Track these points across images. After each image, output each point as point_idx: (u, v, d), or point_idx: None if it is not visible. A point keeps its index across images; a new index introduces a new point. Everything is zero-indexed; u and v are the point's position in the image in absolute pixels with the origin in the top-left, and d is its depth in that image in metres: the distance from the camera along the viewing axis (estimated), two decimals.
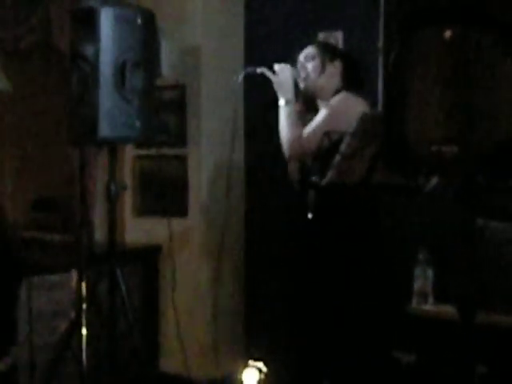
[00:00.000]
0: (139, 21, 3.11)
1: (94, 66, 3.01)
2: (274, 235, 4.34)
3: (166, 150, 4.34)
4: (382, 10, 2.47)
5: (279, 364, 3.80)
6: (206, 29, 4.43)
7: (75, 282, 3.60)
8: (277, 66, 3.56)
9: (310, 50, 3.59)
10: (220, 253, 4.46)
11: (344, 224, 3.39)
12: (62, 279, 3.88)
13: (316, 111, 3.54)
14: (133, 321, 3.17)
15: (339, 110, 3.42)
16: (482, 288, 3.29)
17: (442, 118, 2.17)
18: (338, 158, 2.93)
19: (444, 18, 2.17)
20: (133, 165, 4.61)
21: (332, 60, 3.57)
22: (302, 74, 3.56)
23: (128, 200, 4.60)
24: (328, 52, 3.59)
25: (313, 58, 3.57)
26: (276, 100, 3.54)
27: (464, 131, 2.14)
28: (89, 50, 3.02)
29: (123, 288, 3.14)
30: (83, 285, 3.17)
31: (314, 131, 3.41)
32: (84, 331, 3.07)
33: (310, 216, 3.36)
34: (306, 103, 3.61)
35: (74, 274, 3.71)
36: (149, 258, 4.48)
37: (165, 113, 4.42)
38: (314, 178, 3.35)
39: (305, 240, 3.55)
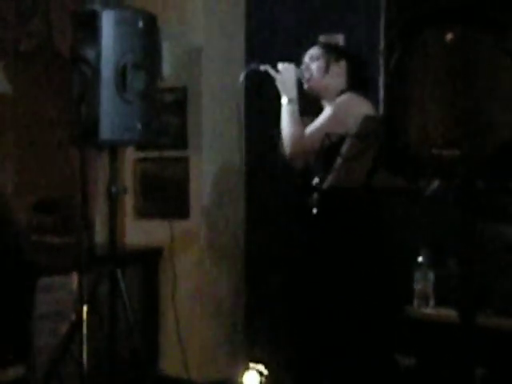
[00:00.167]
0: (140, 23, 3.11)
1: (95, 68, 3.01)
2: (274, 237, 4.34)
3: (167, 153, 4.34)
4: (382, 13, 2.48)
5: (279, 366, 3.81)
6: (207, 31, 4.44)
7: (76, 284, 3.61)
8: (281, 65, 3.56)
9: (314, 51, 3.59)
10: (221, 255, 4.47)
11: (345, 226, 3.39)
12: (63, 281, 3.88)
13: (318, 112, 3.54)
14: (133, 322, 3.17)
15: (342, 111, 3.42)
16: (482, 290, 3.29)
17: (443, 121, 2.17)
18: (339, 160, 2.93)
19: (445, 20, 2.18)
20: (134, 167, 4.62)
21: (337, 60, 3.56)
22: (306, 75, 3.56)
23: (129, 202, 4.60)
24: (333, 52, 3.58)
25: (317, 58, 3.56)
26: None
27: (465, 134, 2.14)
28: (90, 53, 3.02)
29: (124, 290, 3.14)
30: (84, 286, 3.17)
31: (316, 131, 3.41)
32: (84, 333, 3.07)
33: (314, 211, 3.35)
34: (309, 104, 3.61)
35: (75, 276, 3.71)
36: (150, 260, 4.48)
37: (166, 115, 4.43)
38: (315, 181, 3.36)
39: (305, 242, 3.55)
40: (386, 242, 3.49)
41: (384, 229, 3.49)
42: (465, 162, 2.13)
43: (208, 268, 4.41)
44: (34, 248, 3.99)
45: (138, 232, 4.60)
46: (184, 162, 4.44)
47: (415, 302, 3.64)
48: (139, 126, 3.13)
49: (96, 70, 3.01)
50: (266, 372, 3.83)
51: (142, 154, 4.54)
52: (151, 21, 3.19)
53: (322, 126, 3.41)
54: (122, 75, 3.05)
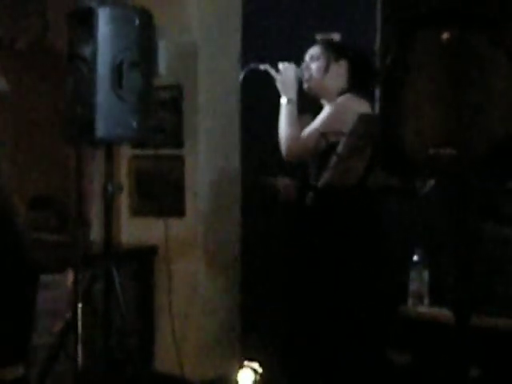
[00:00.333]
0: (136, 21, 3.11)
1: (91, 66, 3.01)
2: (270, 236, 4.34)
3: (163, 150, 4.33)
4: (378, 13, 2.48)
5: (274, 364, 3.81)
6: (203, 29, 4.43)
7: (71, 282, 3.60)
8: (281, 65, 3.55)
9: (315, 50, 3.57)
10: (216, 254, 4.46)
11: (340, 225, 3.39)
12: (58, 279, 3.87)
13: (319, 110, 3.53)
14: (128, 321, 3.17)
15: (340, 112, 3.41)
16: (477, 290, 3.30)
17: (438, 120, 2.18)
18: (334, 158, 2.94)
19: (441, 20, 2.18)
20: (129, 165, 4.61)
21: (337, 59, 3.53)
22: (306, 75, 3.55)
23: (124, 200, 4.59)
24: (333, 51, 3.55)
25: (318, 58, 3.54)
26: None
27: (461, 133, 2.14)
28: (86, 50, 3.01)
29: (119, 288, 3.14)
30: (79, 285, 3.17)
31: (313, 132, 3.41)
32: (79, 331, 3.06)
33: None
34: (309, 102, 3.60)
35: (70, 274, 3.70)
36: (145, 259, 4.47)
37: (162, 113, 4.42)
38: (311, 181, 3.36)
39: (301, 241, 3.55)
40: (381, 241, 3.50)
41: (379, 228, 3.50)
42: (460, 162, 2.13)
43: (203, 266, 4.41)
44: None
45: (134, 230, 4.59)
46: (180, 159, 4.43)
47: (410, 301, 3.65)
48: (135, 123, 3.12)
49: (92, 67, 3.01)
50: (260, 370, 3.83)
51: (137, 152, 4.53)
52: (147, 18, 3.19)
53: (320, 126, 3.41)
54: (117, 72, 3.04)
